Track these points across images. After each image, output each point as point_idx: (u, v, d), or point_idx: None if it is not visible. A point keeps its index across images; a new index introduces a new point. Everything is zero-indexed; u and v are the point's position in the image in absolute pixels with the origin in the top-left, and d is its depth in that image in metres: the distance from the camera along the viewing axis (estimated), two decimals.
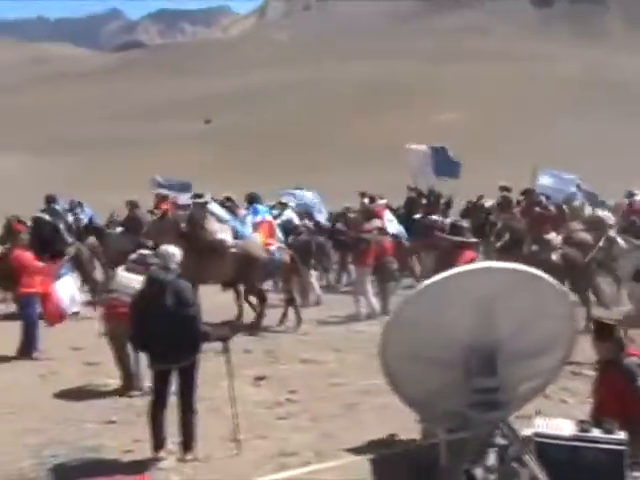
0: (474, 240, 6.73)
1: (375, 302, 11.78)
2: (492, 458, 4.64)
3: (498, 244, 10.48)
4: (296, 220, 15.23)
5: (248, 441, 6.00)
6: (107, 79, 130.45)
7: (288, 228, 14.82)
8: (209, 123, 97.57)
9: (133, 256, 8.05)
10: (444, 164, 17.27)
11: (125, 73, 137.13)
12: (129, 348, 7.50)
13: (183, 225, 11.47)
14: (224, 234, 11.14)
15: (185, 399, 5.68)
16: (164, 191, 17.26)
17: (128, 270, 7.76)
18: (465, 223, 7.19)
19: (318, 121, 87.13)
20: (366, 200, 16.23)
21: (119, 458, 5.77)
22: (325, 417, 6.86)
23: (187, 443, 5.65)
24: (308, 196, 17.79)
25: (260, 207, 12.92)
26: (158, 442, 5.63)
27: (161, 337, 5.46)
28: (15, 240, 10.25)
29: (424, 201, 16.79)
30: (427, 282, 4.05)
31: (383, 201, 15.76)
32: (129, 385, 7.68)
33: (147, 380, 6.99)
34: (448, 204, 17.03)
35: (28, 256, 9.29)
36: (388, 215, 13.89)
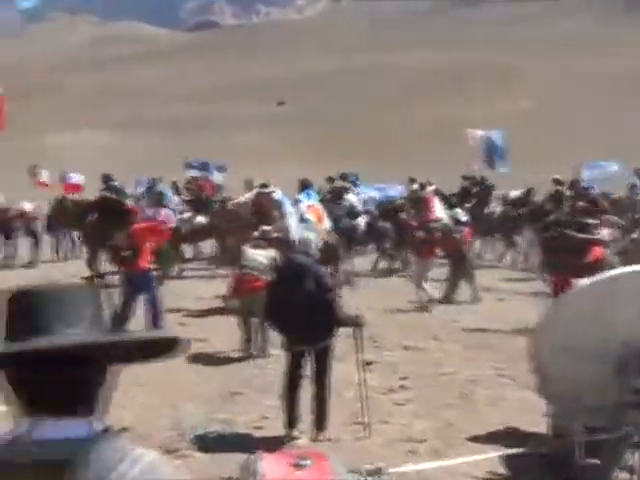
0: (601, 237, 6.67)
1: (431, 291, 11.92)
2: (636, 459, 4.65)
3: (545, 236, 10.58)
4: (358, 204, 15.32)
5: (372, 425, 6.12)
6: (181, 59, 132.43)
7: (352, 212, 15.00)
8: (282, 105, 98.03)
9: (256, 233, 8.62)
10: (491, 154, 17.24)
11: (199, 53, 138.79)
12: (253, 319, 8.03)
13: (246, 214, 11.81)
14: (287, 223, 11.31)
15: (320, 381, 5.86)
16: (195, 172, 17.72)
17: (254, 247, 8.29)
18: (591, 220, 7.12)
19: (390, 106, 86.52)
20: (415, 186, 16.26)
21: (251, 433, 5.98)
22: (441, 406, 6.94)
23: (320, 423, 5.83)
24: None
25: (312, 192, 13.14)
26: (292, 421, 5.83)
27: (299, 320, 5.62)
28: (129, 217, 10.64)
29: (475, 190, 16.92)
30: (594, 279, 4.08)
31: (432, 187, 15.77)
32: (246, 353, 8.21)
33: (271, 349, 7.60)
34: (529, 193, 16.90)
35: (146, 230, 9.63)
36: (437, 202, 13.81)
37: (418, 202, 13.64)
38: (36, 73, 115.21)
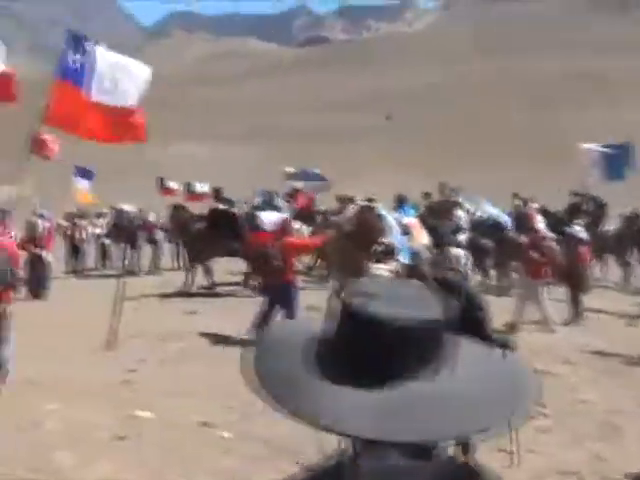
0: None
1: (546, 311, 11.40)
2: None
3: None
4: (463, 221, 14.96)
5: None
6: (293, 73, 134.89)
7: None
8: (390, 119, 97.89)
9: (379, 247, 8.47)
10: (617, 165, 16.15)
11: (310, 68, 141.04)
12: None
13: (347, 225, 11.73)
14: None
15: None
16: (297, 183, 17.64)
17: (377, 261, 8.16)
18: None
19: (502, 117, 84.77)
20: (518, 202, 15.74)
21: None
22: (586, 437, 6.53)
23: (465, 448, 5.57)
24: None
25: (407, 208, 12.92)
26: None
27: None
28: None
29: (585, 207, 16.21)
30: None
31: (535, 205, 15.32)
32: None
33: None
34: None
35: (297, 245, 9.64)
36: (540, 219, 13.46)
37: (520, 218, 13.32)
38: (155, 88, 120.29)
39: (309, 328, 1.06)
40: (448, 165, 60.97)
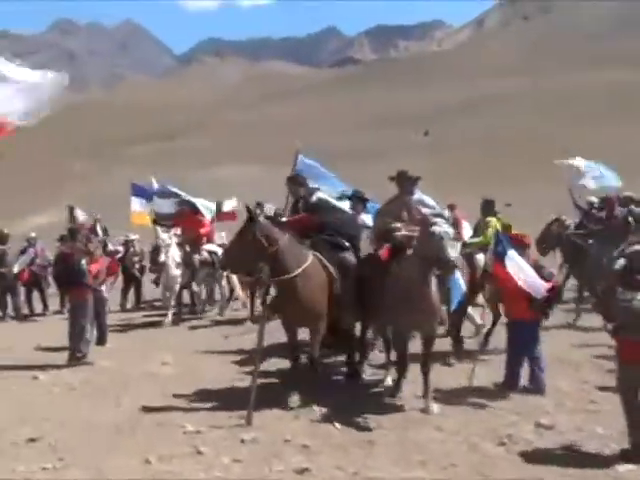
0: None
1: None
2: None
3: None
4: None
5: None
6: (326, 94, 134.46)
7: None
8: (427, 135, 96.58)
9: None
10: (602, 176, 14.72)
11: (342, 88, 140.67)
12: None
13: None
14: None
15: None
16: None
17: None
18: None
19: (536, 132, 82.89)
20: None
21: None
22: None
23: None
24: None
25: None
26: None
27: None
28: None
29: None
30: None
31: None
32: None
33: None
34: None
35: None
36: None
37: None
38: (190, 113, 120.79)
39: None
40: (491, 179, 59.45)
